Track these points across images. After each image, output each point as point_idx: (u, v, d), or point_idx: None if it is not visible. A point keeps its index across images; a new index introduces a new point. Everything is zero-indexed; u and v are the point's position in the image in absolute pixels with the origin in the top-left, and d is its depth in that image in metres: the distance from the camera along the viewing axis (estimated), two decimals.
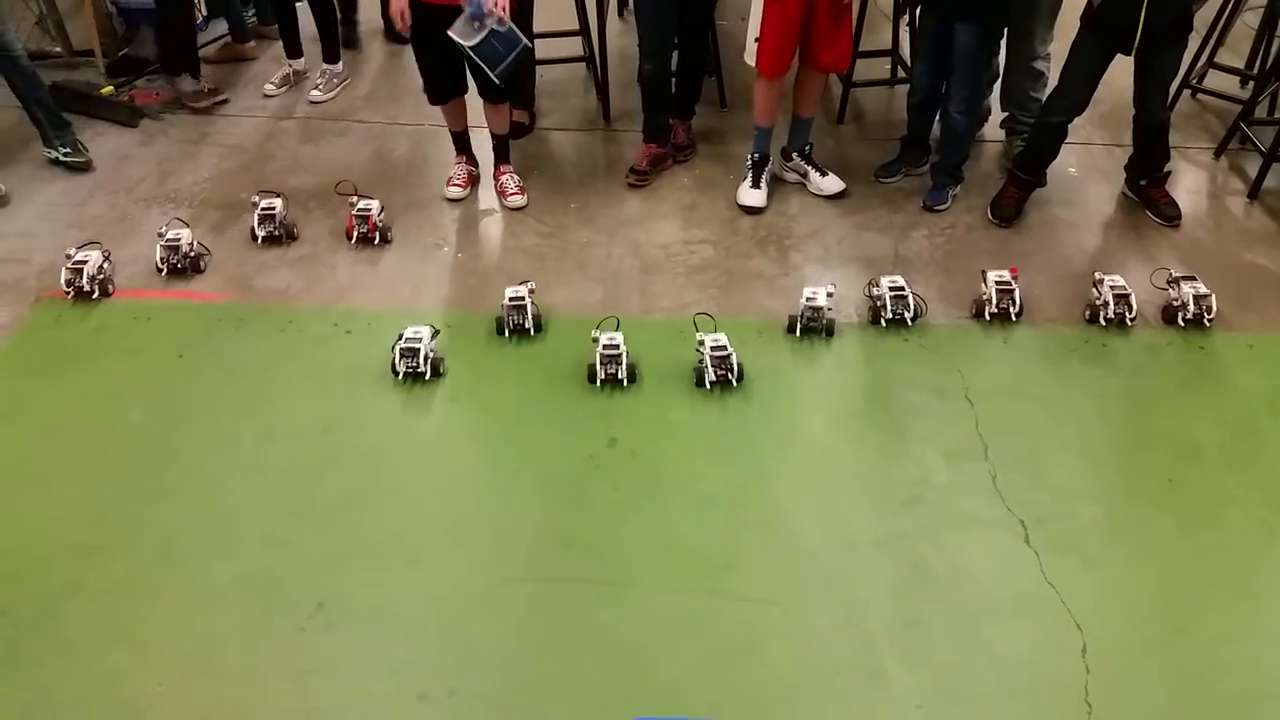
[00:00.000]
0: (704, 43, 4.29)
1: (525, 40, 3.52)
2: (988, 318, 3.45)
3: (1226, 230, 3.96)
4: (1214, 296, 3.42)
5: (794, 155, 4.10)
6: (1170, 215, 3.93)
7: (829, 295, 3.40)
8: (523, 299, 3.39)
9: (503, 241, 3.87)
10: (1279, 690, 2.41)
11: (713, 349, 3.19)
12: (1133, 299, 3.41)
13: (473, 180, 4.14)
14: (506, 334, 3.41)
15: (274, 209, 3.80)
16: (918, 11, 3.85)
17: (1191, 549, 2.75)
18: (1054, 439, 3.06)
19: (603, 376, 3.20)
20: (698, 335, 3.25)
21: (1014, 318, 3.44)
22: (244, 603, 2.60)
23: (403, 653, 2.49)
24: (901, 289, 3.43)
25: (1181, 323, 3.42)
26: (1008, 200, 3.93)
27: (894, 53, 4.65)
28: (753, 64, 3.80)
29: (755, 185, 4.01)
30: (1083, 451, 3.03)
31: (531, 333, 3.41)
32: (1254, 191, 4.11)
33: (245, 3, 5.10)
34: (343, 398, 3.20)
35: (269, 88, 4.78)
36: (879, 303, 3.43)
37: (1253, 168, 4.16)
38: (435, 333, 3.29)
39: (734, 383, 3.19)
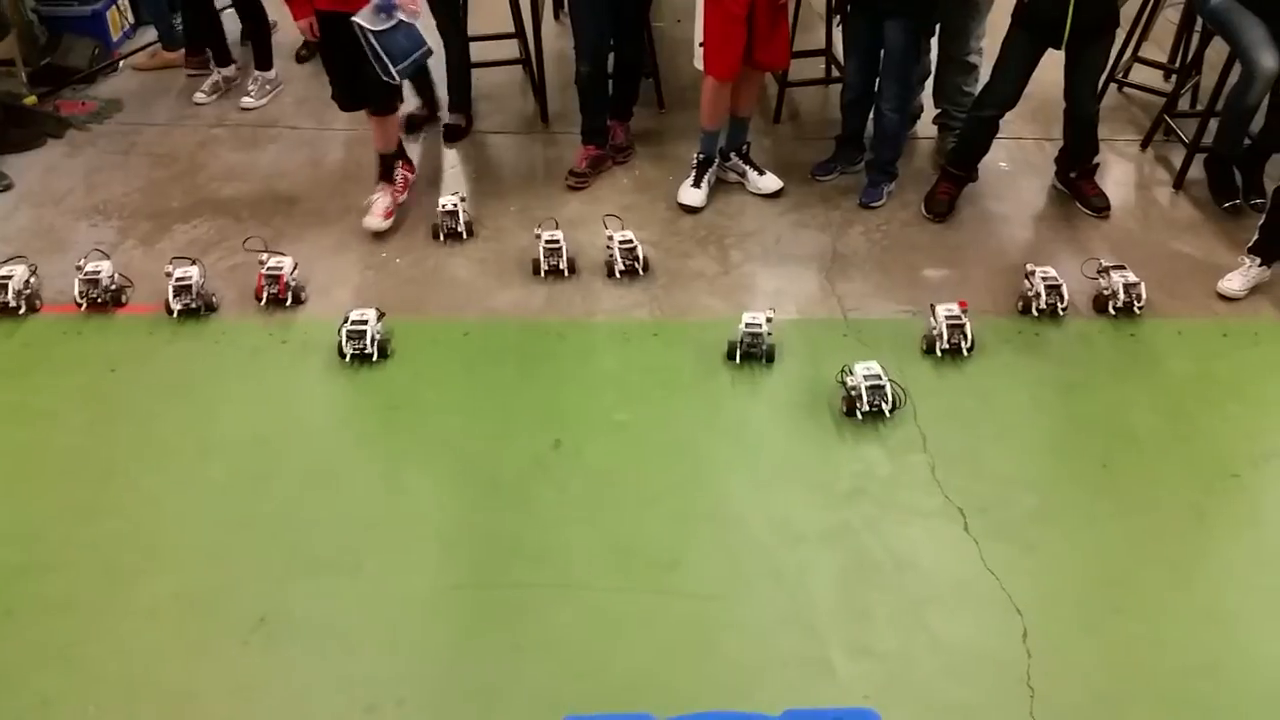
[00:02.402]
0: (640, 44, 4.31)
1: (429, 45, 3.50)
2: (939, 354, 3.30)
3: (1154, 220, 4.07)
4: (1143, 285, 3.48)
5: (732, 155, 4.13)
6: (1099, 206, 4.02)
7: (768, 320, 3.29)
8: (455, 208, 3.66)
9: (442, 244, 3.84)
10: (1214, 666, 2.48)
11: None
12: (1064, 289, 3.48)
13: (408, 186, 4.03)
14: (442, 238, 3.74)
15: (189, 278, 3.44)
16: (847, 11, 3.89)
17: (1127, 532, 2.82)
18: (991, 429, 3.12)
19: (546, 268, 3.62)
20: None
21: (965, 352, 3.31)
22: (183, 619, 2.55)
23: (348, 664, 2.46)
24: (879, 376, 3.10)
25: (1112, 311, 3.48)
26: (940, 195, 4.00)
27: (828, 52, 4.70)
28: (701, 69, 3.81)
29: (695, 185, 4.03)
30: (1019, 440, 3.09)
31: (464, 237, 3.72)
32: (1179, 182, 4.23)
33: (174, 11, 5.00)
34: (280, 409, 3.15)
35: (199, 96, 4.68)
36: (854, 394, 3.09)
37: (1177, 158, 4.28)
38: (381, 315, 3.29)
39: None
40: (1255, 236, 3.60)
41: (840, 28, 4.01)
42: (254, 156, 4.34)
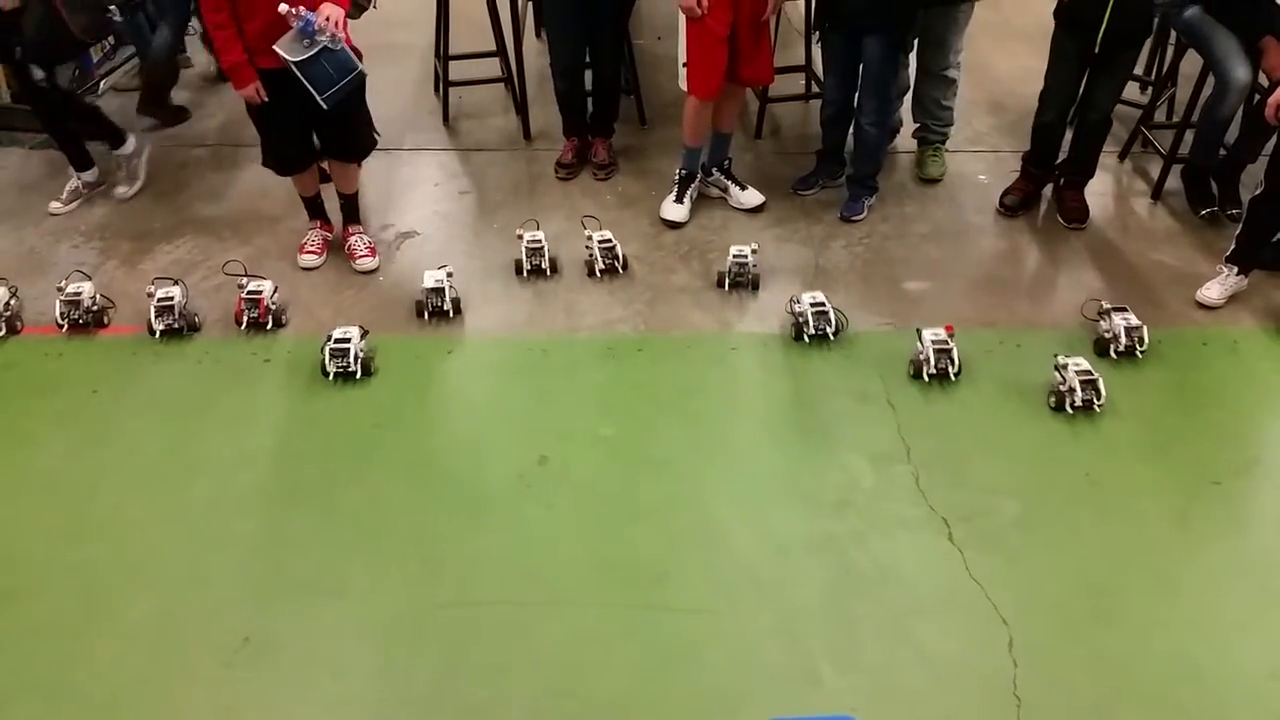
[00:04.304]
0: (617, 62, 4.33)
1: (361, 65, 3.31)
2: (926, 379, 3.28)
3: (1133, 230, 4.11)
4: (1145, 328, 3.35)
5: (714, 170, 4.15)
6: (1076, 218, 4.06)
7: (754, 252, 3.63)
8: (441, 284, 3.52)
9: (426, 264, 3.83)
10: (1199, 674, 2.48)
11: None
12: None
13: (328, 245, 3.86)
14: (426, 316, 3.52)
15: (172, 298, 3.42)
16: (825, 27, 3.92)
17: (1110, 540, 2.83)
18: (973, 439, 3.13)
19: (528, 269, 3.68)
20: None
21: (953, 377, 3.28)
22: (166, 641, 2.52)
23: (334, 686, 2.44)
24: (822, 304, 3.45)
25: (1114, 355, 3.35)
26: (1015, 191, 4.13)
27: (807, 68, 4.74)
28: (685, 88, 3.84)
29: (678, 200, 4.05)
30: (1001, 450, 3.10)
31: (450, 315, 3.52)
32: (1156, 192, 4.28)
33: (153, 29, 4.97)
34: (264, 428, 3.14)
35: (54, 206, 4.10)
36: (800, 319, 3.44)
37: (1155, 169, 4.33)
38: (364, 333, 3.30)
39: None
40: (1232, 246, 3.64)
41: (819, 44, 4.04)
42: (235, 176, 4.34)
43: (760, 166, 4.42)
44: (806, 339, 3.43)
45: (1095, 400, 3.15)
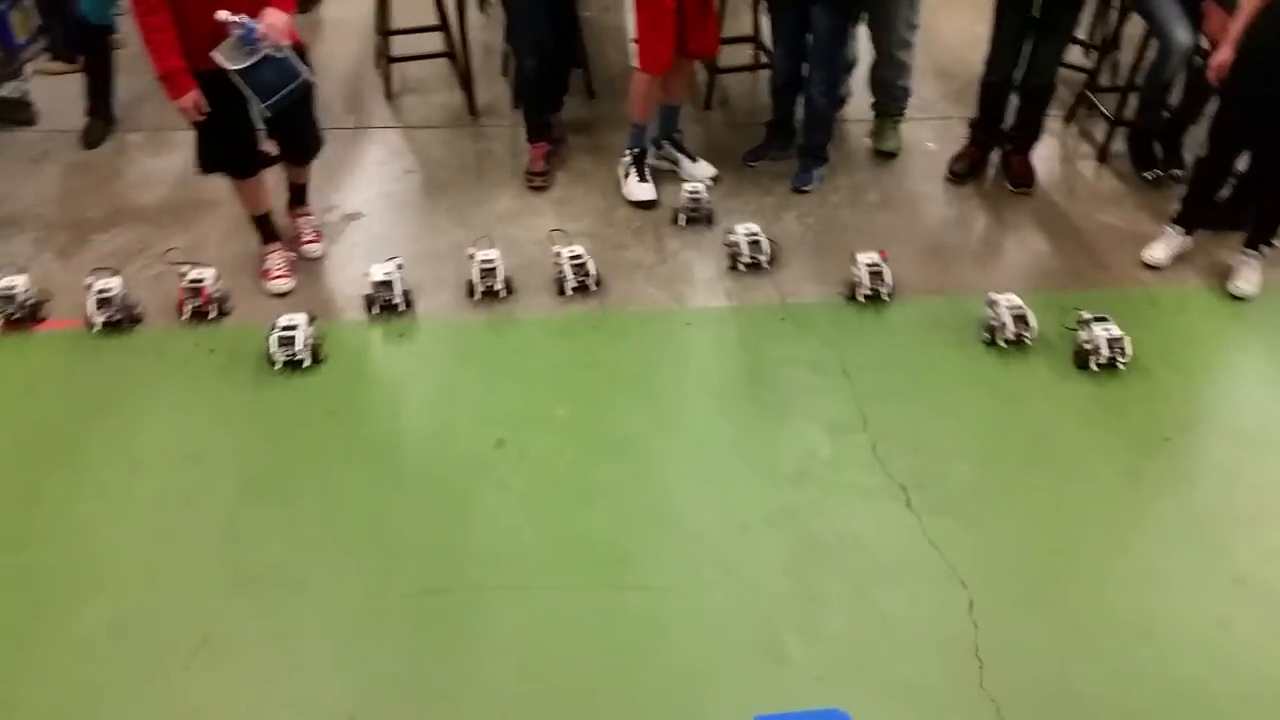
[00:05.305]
0: (573, 35, 4.26)
1: (306, 72, 3.13)
2: (861, 300, 3.49)
3: (1079, 193, 4.15)
4: (1127, 340, 3.23)
5: (664, 143, 4.11)
6: (1023, 183, 4.09)
7: (708, 187, 3.79)
8: (390, 276, 3.39)
9: (371, 247, 3.76)
10: (1152, 629, 2.54)
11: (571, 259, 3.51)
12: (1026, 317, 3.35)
13: (295, 264, 3.63)
14: (376, 310, 3.41)
15: (111, 290, 3.32)
16: None
17: (1064, 500, 2.87)
18: (928, 405, 3.16)
19: (482, 290, 3.45)
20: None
21: (885, 298, 3.48)
22: (120, 647, 2.46)
23: (297, 682, 2.40)
24: (756, 234, 3.63)
25: (1095, 367, 3.23)
26: (962, 157, 4.15)
27: (755, 38, 4.70)
28: (635, 65, 3.78)
29: (643, 179, 4.00)
30: (956, 416, 3.13)
31: (400, 308, 3.43)
32: (1102, 155, 4.32)
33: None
34: (212, 421, 3.07)
35: None
36: (735, 249, 3.61)
37: (1100, 132, 4.37)
38: (313, 319, 3.23)
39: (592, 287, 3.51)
40: (1178, 207, 3.69)
41: (768, 14, 4.01)
42: (173, 161, 4.21)
43: (710, 138, 4.40)
44: (743, 267, 3.60)
45: (1025, 335, 3.29)
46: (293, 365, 3.18)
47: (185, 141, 4.21)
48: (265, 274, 3.56)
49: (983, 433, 3.08)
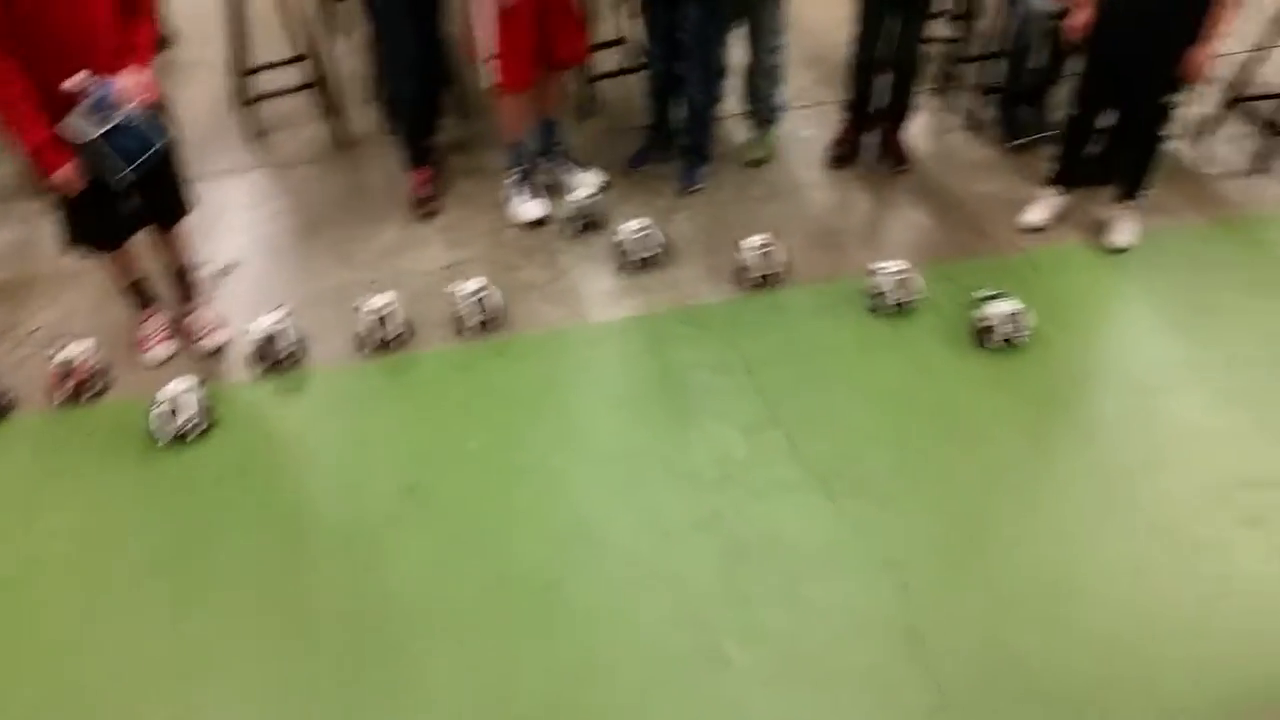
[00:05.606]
0: (442, 53, 4.15)
1: (169, 131, 2.95)
2: (751, 286, 3.53)
3: (955, 164, 4.24)
4: (1030, 311, 3.29)
5: (546, 158, 4.05)
6: (899, 161, 4.17)
7: (600, 189, 3.80)
8: (278, 327, 3.25)
9: (253, 298, 3.61)
10: (1076, 583, 2.61)
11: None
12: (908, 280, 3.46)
13: (174, 324, 3.43)
14: (266, 365, 3.26)
15: None
16: None
17: (975, 469, 2.93)
18: (833, 391, 3.18)
19: (378, 341, 3.31)
20: None
21: (778, 279, 3.54)
22: None
23: None
24: (646, 227, 3.65)
25: (995, 344, 3.28)
26: (839, 143, 4.22)
27: (626, 41, 4.67)
28: (495, 83, 3.65)
29: (530, 198, 3.93)
30: (862, 397, 3.17)
31: (291, 360, 3.29)
32: (973, 124, 4.43)
33: None
34: (99, 510, 2.89)
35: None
36: (623, 247, 3.63)
37: (969, 102, 4.48)
38: (201, 381, 3.08)
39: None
40: (1053, 167, 3.80)
41: (641, 15, 3.96)
42: (28, 231, 3.97)
43: (592, 147, 4.35)
44: (637, 264, 3.62)
45: (908, 300, 3.41)
46: (183, 436, 3.03)
47: (31, 212, 4.03)
48: (142, 343, 3.37)
49: (889, 411, 3.12)
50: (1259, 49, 4.05)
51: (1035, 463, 2.96)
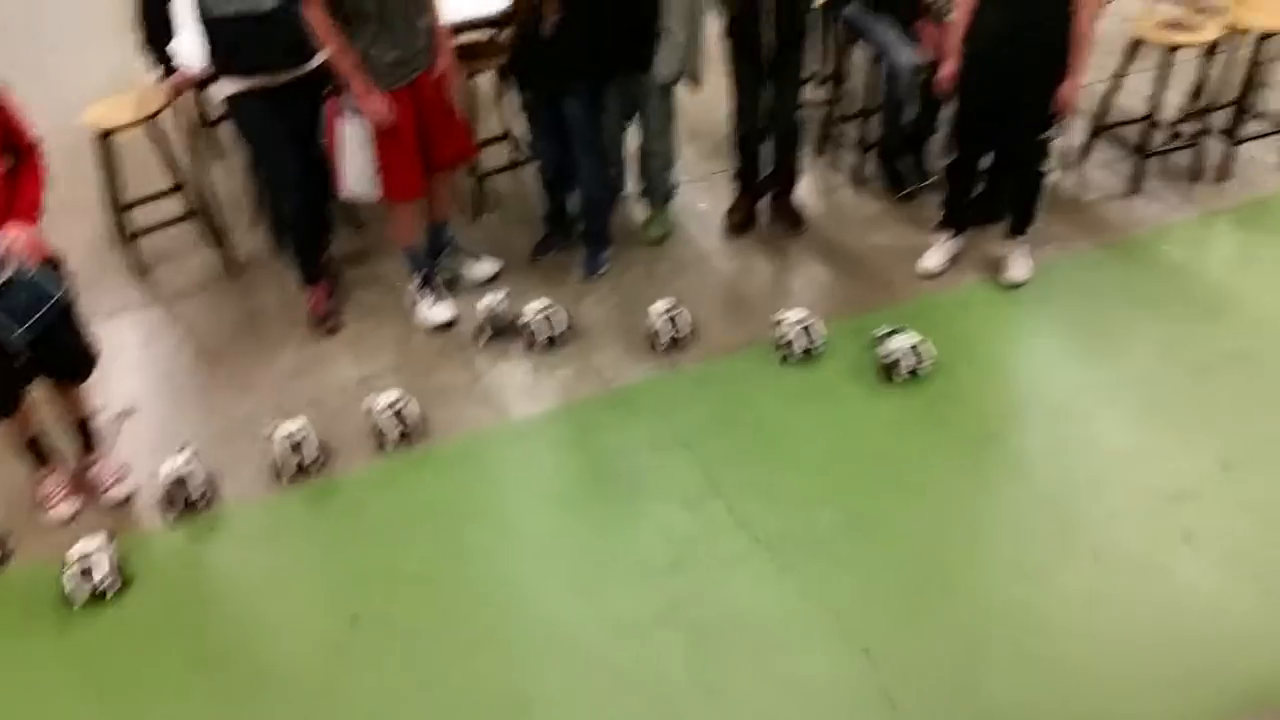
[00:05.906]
0: (324, 165, 4.06)
1: (63, 286, 2.80)
2: (661, 351, 3.59)
3: (846, 221, 4.35)
4: (929, 341, 3.42)
5: (440, 258, 3.99)
6: (793, 224, 4.27)
7: (503, 297, 3.74)
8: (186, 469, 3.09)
9: (156, 441, 3.42)
10: (1036, 617, 2.63)
11: None
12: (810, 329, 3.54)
13: (78, 483, 3.23)
14: (177, 511, 3.09)
15: None
16: (523, 92, 3.86)
17: (920, 513, 2.94)
18: (766, 454, 3.18)
19: (295, 468, 3.17)
20: None
21: (684, 340, 3.61)
22: None
23: None
24: (549, 305, 3.68)
25: (896, 380, 3.39)
26: (735, 212, 4.29)
27: (511, 135, 4.67)
28: (380, 197, 3.55)
29: (435, 301, 3.85)
30: (794, 457, 3.17)
31: (204, 501, 3.12)
32: (857, 180, 4.57)
33: None
34: (14, 688, 2.66)
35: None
36: (532, 329, 3.65)
37: (851, 160, 4.62)
38: (112, 536, 2.90)
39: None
40: (940, 213, 3.93)
41: (523, 111, 3.96)
42: None
43: (491, 243, 4.30)
44: (549, 341, 3.65)
45: (813, 347, 3.50)
46: (101, 594, 2.82)
47: None
48: (43, 502, 3.15)
49: (824, 467, 3.13)
50: (1117, 76, 4.30)
51: (978, 499, 3.00)
